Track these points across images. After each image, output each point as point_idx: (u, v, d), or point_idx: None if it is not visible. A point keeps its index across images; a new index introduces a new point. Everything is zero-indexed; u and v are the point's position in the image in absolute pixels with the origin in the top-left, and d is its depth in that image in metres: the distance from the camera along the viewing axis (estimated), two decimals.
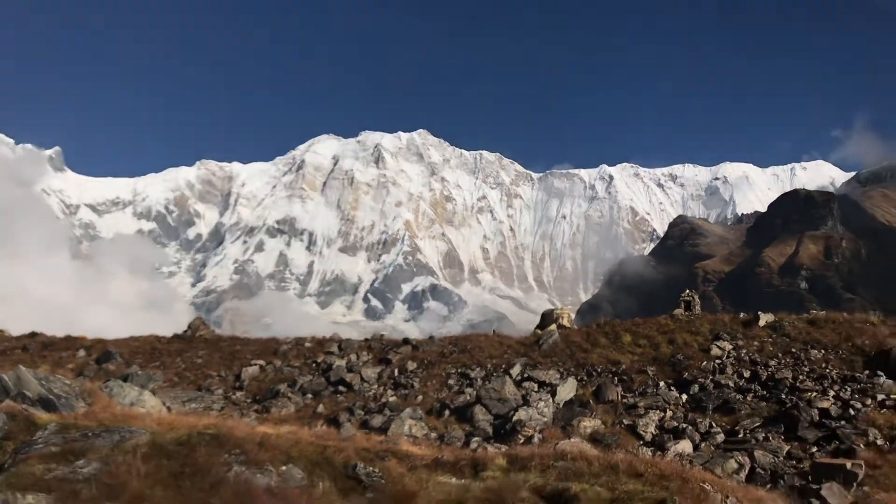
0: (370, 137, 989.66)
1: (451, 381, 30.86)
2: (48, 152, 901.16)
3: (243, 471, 9.18)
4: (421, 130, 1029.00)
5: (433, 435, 24.02)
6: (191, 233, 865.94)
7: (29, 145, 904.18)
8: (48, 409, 12.27)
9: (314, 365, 35.03)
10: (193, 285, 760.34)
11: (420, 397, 29.20)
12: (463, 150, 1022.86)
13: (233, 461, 9.37)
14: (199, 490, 8.14)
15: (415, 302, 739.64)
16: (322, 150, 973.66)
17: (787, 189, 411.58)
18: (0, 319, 47.96)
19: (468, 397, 27.97)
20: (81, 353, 39.23)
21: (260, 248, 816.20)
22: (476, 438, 23.29)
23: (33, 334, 43.93)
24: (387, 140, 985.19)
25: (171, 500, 7.75)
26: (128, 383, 22.40)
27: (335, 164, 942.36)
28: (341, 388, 31.24)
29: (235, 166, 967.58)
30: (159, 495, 7.77)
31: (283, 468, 9.86)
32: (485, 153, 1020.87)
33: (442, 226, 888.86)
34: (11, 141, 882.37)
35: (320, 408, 28.73)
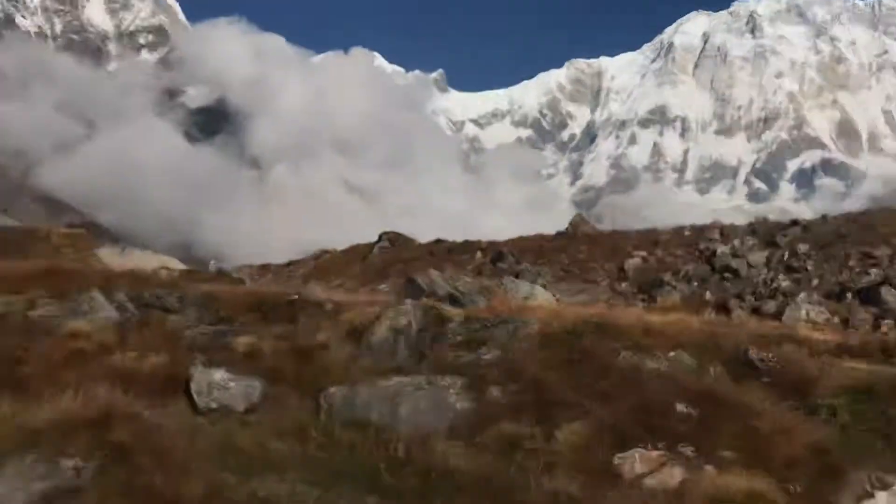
0: (743, 7, 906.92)
1: (851, 263, 28.21)
2: (433, 75, 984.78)
3: (631, 356, 9.51)
4: None
5: (835, 320, 22.32)
6: (565, 134, 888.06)
7: (417, 71, 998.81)
8: (455, 304, 13.86)
9: (696, 253, 34.44)
10: (572, 184, 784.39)
11: (815, 281, 27.23)
12: (856, 0, 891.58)
13: (620, 347, 9.75)
14: (589, 374, 8.66)
15: (803, 180, 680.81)
16: (691, 28, 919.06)
17: None
18: (410, 230, 54.67)
19: (873, 277, 25.36)
20: (478, 255, 43.14)
21: (633, 141, 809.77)
22: (887, 321, 21.15)
23: (437, 241, 49.31)
24: (763, 5, 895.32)
25: (564, 382, 8.36)
26: (520, 279, 24.21)
27: (706, 42, 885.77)
28: (727, 274, 30.46)
29: (603, 61, 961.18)
30: (553, 378, 8.44)
31: (672, 354, 9.98)
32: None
33: (833, 92, 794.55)
34: (402, 70, 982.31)
35: (707, 295, 28.32)
